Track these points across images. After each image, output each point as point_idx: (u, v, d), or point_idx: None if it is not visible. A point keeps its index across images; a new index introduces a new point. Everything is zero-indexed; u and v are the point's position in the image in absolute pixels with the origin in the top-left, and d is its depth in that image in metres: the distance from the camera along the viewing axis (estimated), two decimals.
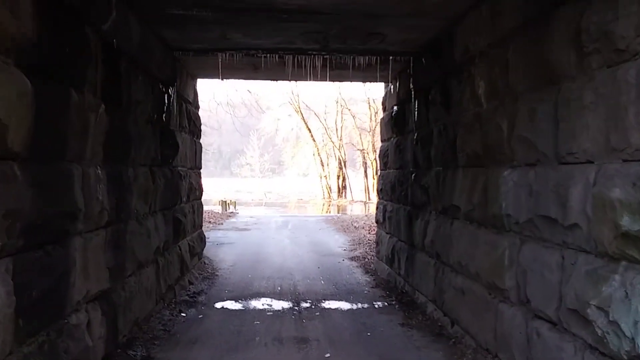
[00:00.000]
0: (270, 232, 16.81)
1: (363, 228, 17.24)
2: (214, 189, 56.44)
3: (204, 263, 10.30)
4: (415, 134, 7.60)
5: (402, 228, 8.22)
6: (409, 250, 7.79)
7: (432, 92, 6.91)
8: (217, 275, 9.57)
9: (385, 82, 9.57)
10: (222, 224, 19.64)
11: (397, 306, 7.38)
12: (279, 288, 8.54)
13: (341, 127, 39.34)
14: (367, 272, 9.90)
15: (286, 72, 8.12)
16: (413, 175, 7.68)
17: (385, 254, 9.16)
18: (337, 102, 39.74)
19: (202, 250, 10.15)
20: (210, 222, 19.67)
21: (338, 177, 39.58)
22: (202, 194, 10.04)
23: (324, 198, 39.70)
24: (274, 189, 55.07)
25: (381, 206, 9.85)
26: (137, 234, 5.66)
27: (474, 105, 5.46)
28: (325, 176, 39.78)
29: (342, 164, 39.18)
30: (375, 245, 10.61)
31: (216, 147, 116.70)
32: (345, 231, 16.96)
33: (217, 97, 33.90)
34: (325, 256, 11.91)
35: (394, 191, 8.84)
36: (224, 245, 13.46)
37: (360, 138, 38.70)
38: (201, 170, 10.08)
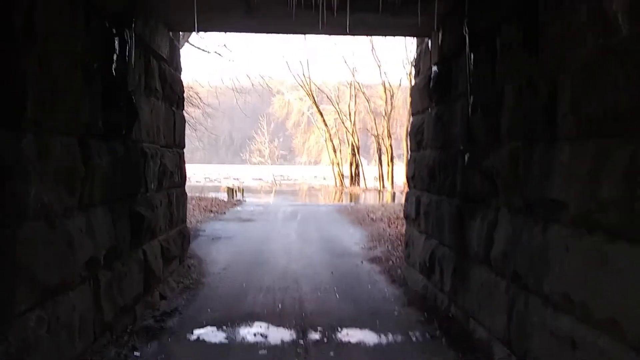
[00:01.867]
0: (276, 224, 14.59)
1: (381, 220, 14.96)
2: (224, 175, 54.43)
3: (189, 267, 8.10)
4: (471, 99, 5.29)
5: (447, 228, 5.95)
6: (459, 261, 5.52)
7: (502, 33, 4.59)
8: (202, 283, 7.36)
9: (420, 36, 7.23)
10: (224, 213, 17.46)
11: (443, 340, 5.11)
12: (280, 305, 6.32)
13: (354, 111, 36.93)
14: (393, 281, 7.64)
15: (290, 15, 5.83)
16: (466, 155, 5.38)
17: (420, 260, 6.89)
18: (350, 84, 37.31)
19: (185, 250, 7.94)
20: (211, 211, 17.53)
21: (351, 164, 37.24)
22: (184, 179, 7.81)
23: (335, 186, 37.43)
24: (285, 176, 52.94)
25: (413, 198, 7.55)
26: (41, 242, 3.44)
27: (600, 33, 3.16)
28: (337, 163, 37.47)
29: (356, 150, 36.83)
30: (403, 247, 8.33)
31: (227, 134, 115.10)
32: (361, 224, 14.69)
33: (226, 81, 31.73)
34: (339, 257, 9.67)
35: (434, 178, 6.55)
36: (221, 240, 11.26)
37: (375, 123, 36.28)
38: (184, 150, 7.83)
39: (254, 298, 6.65)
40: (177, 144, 7.31)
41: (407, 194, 7.97)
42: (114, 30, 4.91)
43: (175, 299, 6.42)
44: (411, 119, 8.03)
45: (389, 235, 12.04)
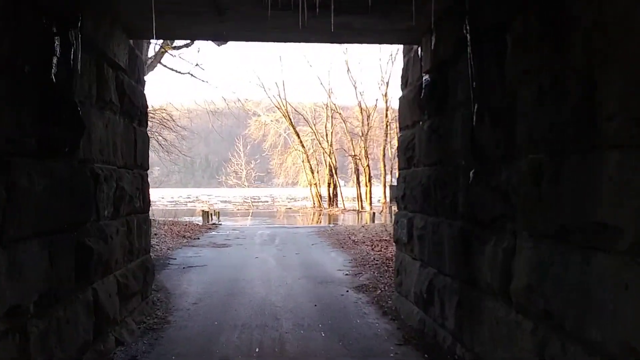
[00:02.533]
0: (253, 249, 13.66)
1: (364, 243, 14.18)
2: (200, 199, 53.20)
3: (154, 302, 7.15)
4: (475, 107, 4.56)
5: (448, 255, 5.17)
6: (465, 293, 4.73)
7: (514, 28, 3.90)
8: (168, 322, 6.42)
9: (409, 42, 6.52)
10: (198, 238, 16.46)
11: None
12: (258, 349, 5.42)
13: (331, 132, 36.41)
14: (384, 314, 6.80)
15: (265, 18, 5.08)
16: (471, 172, 4.64)
17: (415, 290, 6.09)
18: (326, 106, 36.81)
19: (149, 284, 6.99)
20: (184, 236, 16.53)
21: (329, 184, 36.57)
22: (148, 205, 6.91)
23: (314, 207, 36.65)
24: (262, 198, 51.94)
25: (404, 220, 6.78)
26: None
27: None
28: (315, 184, 36.75)
29: (333, 170, 36.19)
30: (393, 274, 7.51)
31: (203, 157, 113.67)
32: (342, 247, 13.87)
33: (201, 103, 31.24)
34: (322, 284, 8.81)
35: (428, 198, 5.80)
36: (193, 269, 10.30)
37: (352, 143, 35.80)
38: (148, 172, 6.95)
39: (227, 339, 5.74)
40: (139, 164, 6.43)
41: (397, 215, 7.21)
42: (55, 29, 4.07)
43: (134, 343, 5.47)
44: (399, 134, 7.30)
45: (374, 259, 11.24)
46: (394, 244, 7.92)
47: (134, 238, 6.11)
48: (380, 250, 12.36)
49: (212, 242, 15.24)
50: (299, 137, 36.18)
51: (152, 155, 27.12)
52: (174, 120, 26.33)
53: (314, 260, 11.49)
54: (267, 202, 51.12)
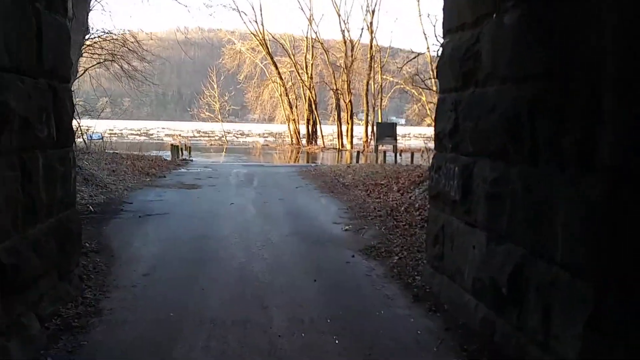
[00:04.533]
0: (228, 192, 11.38)
1: (356, 187, 12.02)
2: (170, 132, 49.95)
3: (81, 277, 4.86)
4: None
5: (564, 231, 2.98)
6: (604, 301, 2.61)
7: None
8: (99, 313, 4.17)
9: None
10: (164, 177, 14.07)
11: None
12: None
13: (312, 64, 33.48)
14: (416, 299, 4.66)
15: None
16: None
17: (478, 275, 3.95)
18: (307, 34, 33.68)
19: (72, 255, 4.66)
20: (148, 174, 14.09)
21: (308, 120, 34.04)
22: (68, 137, 4.46)
23: (291, 144, 34.24)
24: (237, 133, 49.18)
25: (452, 167, 4.54)
26: None
27: None
28: (293, 120, 34.15)
29: (313, 106, 33.57)
30: (427, 242, 5.33)
31: (176, 89, 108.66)
32: (332, 191, 11.70)
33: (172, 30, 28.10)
34: (318, 245, 6.66)
35: (515, 135, 3.51)
36: (151, 219, 8.01)
37: (334, 76, 33.01)
38: (70, 85, 4.47)
39: (189, 348, 3.58)
40: (47, 70, 3.97)
41: (436, 159, 4.97)
42: None
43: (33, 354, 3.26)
44: (444, 41, 4.93)
45: (375, 209, 9.10)
46: (427, 199, 5.79)
47: (39, 187, 3.75)
48: (379, 198, 10.24)
49: (179, 182, 12.88)
50: (276, 68, 33.15)
51: (122, 85, 24.24)
52: (142, 48, 23.33)
53: (302, 209, 9.30)
54: (242, 136, 48.35)
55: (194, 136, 44.18)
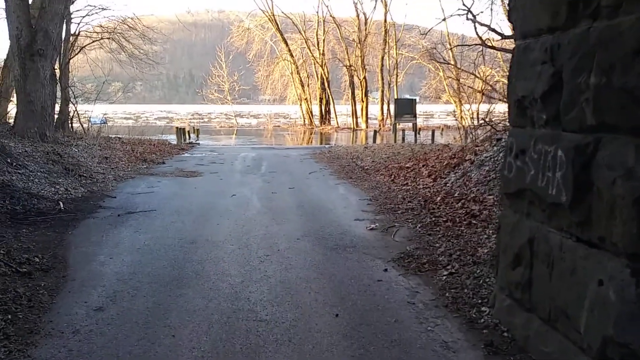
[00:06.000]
0: (231, 180, 9.81)
1: (377, 172, 10.37)
2: (181, 116, 48.44)
3: (17, 310, 3.35)
4: None
5: None
6: None
7: None
8: None
9: None
10: (163, 163, 12.54)
11: None
12: None
13: (323, 39, 31.54)
14: (492, 351, 3.04)
15: None
16: None
17: (606, 332, 2.32)
18: (318, 7, 31.71)
19: None
20: (146, 160, 12.57)
21: (321, 100, 32.22)
22: None
23: (304, 125, 32.51)
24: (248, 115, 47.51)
25: (547, 149, 2.84)
26: None
27: None
28: (305, 99, 32.38)
29: (326, 83, 31.73)
30: (477, 245, 3.70)
31: (187, 72, 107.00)
32: (350, 177, 10.08)
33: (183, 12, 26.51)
34: (338, 251, 5.06)
35: None
36: (132, 218, 6.45)
37: (347, 52, 31.07)
38: None
39: None
40: None
41: (515, 138, 3.29)
42: None
43: None
44: None
45: (403, 199, 7.48)
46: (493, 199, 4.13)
47: None
48: (407, 184, 8.58)
49: (178, 169, 11.34)
50: (287, 45, 31.27)
51: (133, 70, 22.83)
52: (153, 31, 22.06)
53: (316, 201, 7.69)
54: (253, 118, 46.65)
55: (202, 119, 42.63)
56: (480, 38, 15.30)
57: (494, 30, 14.44)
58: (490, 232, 5.30)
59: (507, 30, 20.55)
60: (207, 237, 5.58)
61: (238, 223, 6.24)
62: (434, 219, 6.12)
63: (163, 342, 3.17)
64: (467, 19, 14.16)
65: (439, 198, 7.08)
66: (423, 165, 9.73)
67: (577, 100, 2.67)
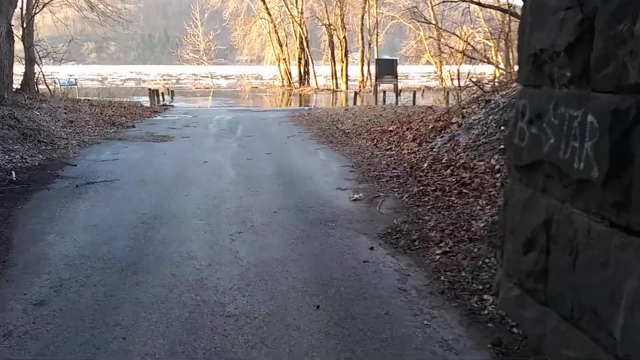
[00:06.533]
0: (204, 145, 9.14)
1: (359, 135, 9.81)
2: (154, 77, 46.67)
3: None
4: None
5: None
6: None
7: None
8: None
9: None
10: (133, 126, 11.75)
11: None
12: None
13: None
14: (501, 351, 2.58)
15: None
16: None
17: None
18: None
19: None
20: (114, 124, 11.79)
21: (299, 60, 31.18)
22: None
23: (283, 86, 31.52)
24: (225, 76, 46.02)
25: (572, 113, 2.33)
26: None
27: None
28: (284, 59, 31.27)
29: (305, 43, 30.61)
30: (470, 219, 3.21)
31: (162, 31, 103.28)
32: (331, 141, 9.49)
33: None
34: (319, 226, 4.52)
35: None
36: (91, 189, 5.81)
37: (326, 10, 29.90)
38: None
39: None
40: None
41: (528, 100, 2.75)
42: None
43: None
44: None
45: (388, 166, 6.96)
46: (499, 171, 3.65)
47: None
48: (391, 149, 8.05)
49: (149, 133, 10.60)
50: (264, 3, 29.91)
51: (104, 29, 21.45)
52: None
53: (296, 168, 7.11)
54: (224, 79, 45.24)
55: (172, 80, 41.13)
56: None
57: None
58: (484, 202, 4.83)
59: None
60: (173, 211, 4.99)
61: (209, 194, 5.65)
62: (421, 187, 5.62)
63: (110, 347, 2.63)
64: None
65: (425, 164, 6.57)
66: (407, 129, 9.18)
67: (615, 54, 2.12)
